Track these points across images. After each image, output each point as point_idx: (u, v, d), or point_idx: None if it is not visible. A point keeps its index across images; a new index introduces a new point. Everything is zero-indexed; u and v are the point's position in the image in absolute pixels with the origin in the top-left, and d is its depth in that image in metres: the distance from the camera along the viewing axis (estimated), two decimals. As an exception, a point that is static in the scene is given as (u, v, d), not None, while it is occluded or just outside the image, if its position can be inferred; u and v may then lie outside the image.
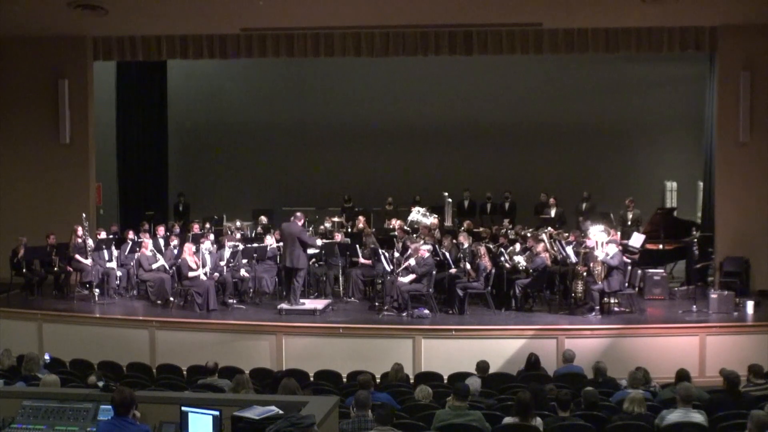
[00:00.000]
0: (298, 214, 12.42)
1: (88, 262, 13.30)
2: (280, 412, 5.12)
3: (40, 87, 15.30)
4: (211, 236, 13.80)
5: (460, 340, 11.26)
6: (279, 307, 12.28)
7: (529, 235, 13.91)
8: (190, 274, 12.47)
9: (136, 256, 13.43)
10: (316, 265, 13.83)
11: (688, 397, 7.05)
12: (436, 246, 13.08)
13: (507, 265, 12.72)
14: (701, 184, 16.95)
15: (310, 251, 13.06)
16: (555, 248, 13.01)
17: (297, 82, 19.69)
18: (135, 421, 5.25)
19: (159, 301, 12.93)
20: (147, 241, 13.60)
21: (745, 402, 7.48)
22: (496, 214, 17.59)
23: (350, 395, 7.49)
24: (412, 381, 9.73)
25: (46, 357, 9.80)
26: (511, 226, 15.98)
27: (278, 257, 13.38)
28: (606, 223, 14.24)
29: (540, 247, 12.64)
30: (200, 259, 12.60)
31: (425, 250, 12.28)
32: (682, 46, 14.35)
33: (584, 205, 16.86)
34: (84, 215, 13.84)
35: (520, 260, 12.76)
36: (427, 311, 12.08)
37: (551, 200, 16.90)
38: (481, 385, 8.61)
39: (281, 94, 19.86)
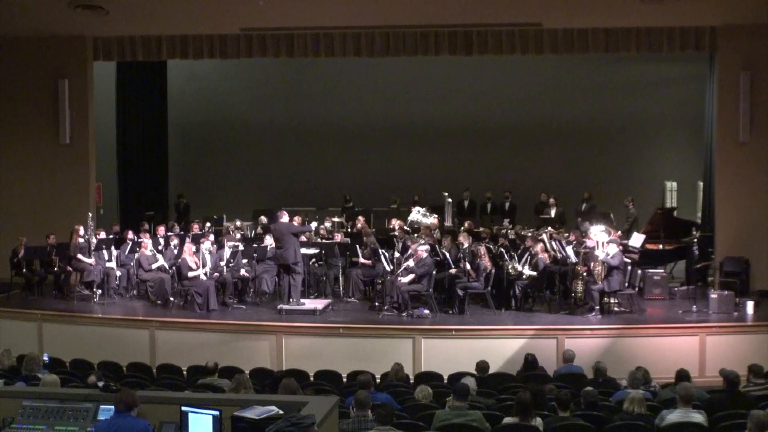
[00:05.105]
0: (282, 211, 12.45)
1: (91, 261, 13.30)
2: (280, 412, 5.12)
3: (40, 87, 15.29)
4: (211, 236, 13.77)
5: (460, 340, 11.26)
6: (279, 307, 12.26)
7: (528, 235, 13.90)
8: (190, 274, 12.46)
9: (136, 256, 13.43)
10: (316, 265, 13.82)
11: (688, 397, 7.05)
12: (436, 246, 13.08)
13: (511, 272, 12.67)
14: (701, 184, 16.94)
15: (311, 251, 13.07)
16: (555, 248, 13.00)
17: (297, 82, 19.70)
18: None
19: (159, 301, 12.93)
20: (147, 241, 13.60)
21: (745, 402, 7.48)
22: (496, 214, 17.58)
23: (350, 395, 7.48)
24: (412, 381, 9.72)
25: (45, 358, 9.77)
26: (511, 226, 15.97)
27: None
28: (606, 223, 14.23)
29: (538, 247, 12.64)
30: (200, 259, 12.59)
31: (423, 250, 12.27)
32: (682, 46, 14.35)
33: (584, 206, 16.86)
34: (90, 214, 13.85)
35: (525, 270, 12.63)
36: (427, 311, 12.07)
37: (551, 200, 16.90)
38: (476, 384, 8.59)
39: (281, 94, 19.88)
